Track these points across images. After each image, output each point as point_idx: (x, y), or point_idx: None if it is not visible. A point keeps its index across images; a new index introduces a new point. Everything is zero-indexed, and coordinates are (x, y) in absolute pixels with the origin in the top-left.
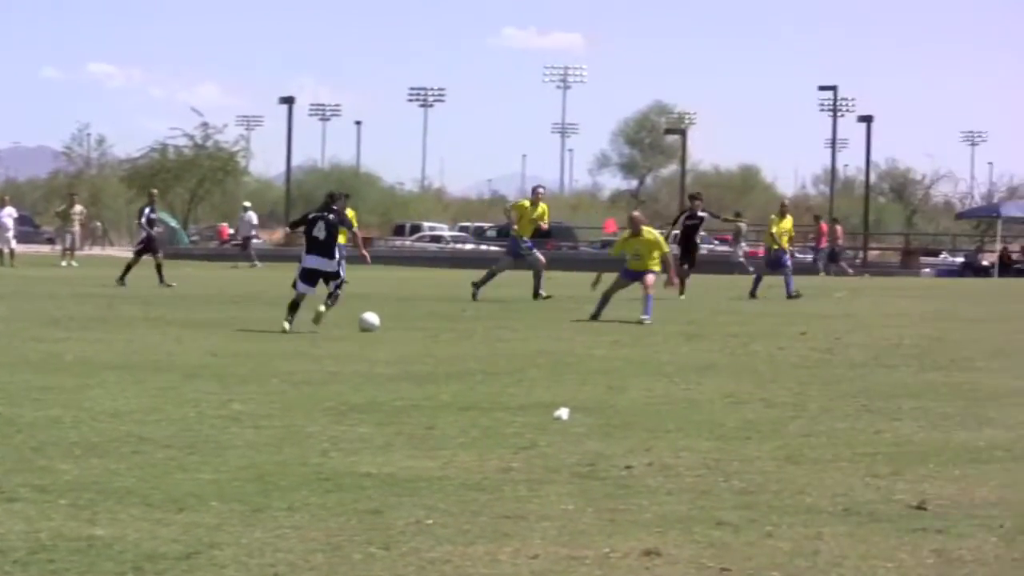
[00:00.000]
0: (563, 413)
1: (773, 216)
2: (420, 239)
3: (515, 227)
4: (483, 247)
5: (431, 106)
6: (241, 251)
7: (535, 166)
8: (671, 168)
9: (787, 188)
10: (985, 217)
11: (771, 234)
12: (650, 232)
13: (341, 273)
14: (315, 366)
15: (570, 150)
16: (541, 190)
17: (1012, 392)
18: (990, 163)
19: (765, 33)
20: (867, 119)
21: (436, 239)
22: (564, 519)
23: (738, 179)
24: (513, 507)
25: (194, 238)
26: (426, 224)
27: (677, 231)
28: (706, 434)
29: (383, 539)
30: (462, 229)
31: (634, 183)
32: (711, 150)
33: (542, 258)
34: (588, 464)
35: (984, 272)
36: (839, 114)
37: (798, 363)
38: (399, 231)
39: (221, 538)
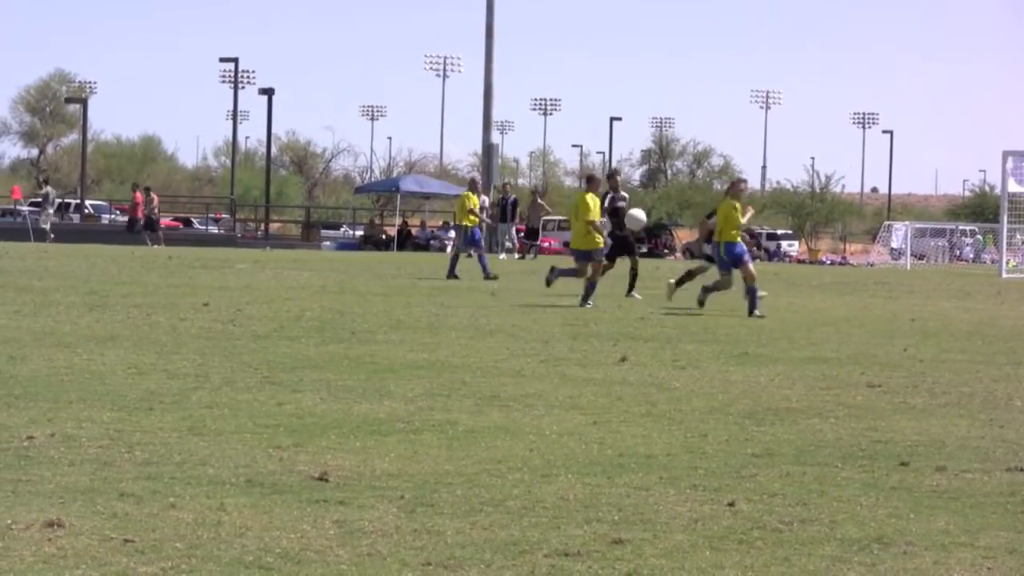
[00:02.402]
0: None
1: (468, 193)
2: None
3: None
4: None
5: None
6: None
7: None
8: (72, 137)
9: (189, 159)
10: (384, 191)
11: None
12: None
13: None
14: None
15: None
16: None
17: (409, 364)
18: (389, 138)
19: (165, 3)
20: (268, 92)
21: None
22: None
23: (140, 149)
24: None
25: None
26: None
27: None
28: (109, 405)
29: None
30: None
31: (35, 152)
32: (113, 120)
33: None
34: None
35: (384, 246)
36: (240, 86)
37: (200, 334)
38: None
39: None
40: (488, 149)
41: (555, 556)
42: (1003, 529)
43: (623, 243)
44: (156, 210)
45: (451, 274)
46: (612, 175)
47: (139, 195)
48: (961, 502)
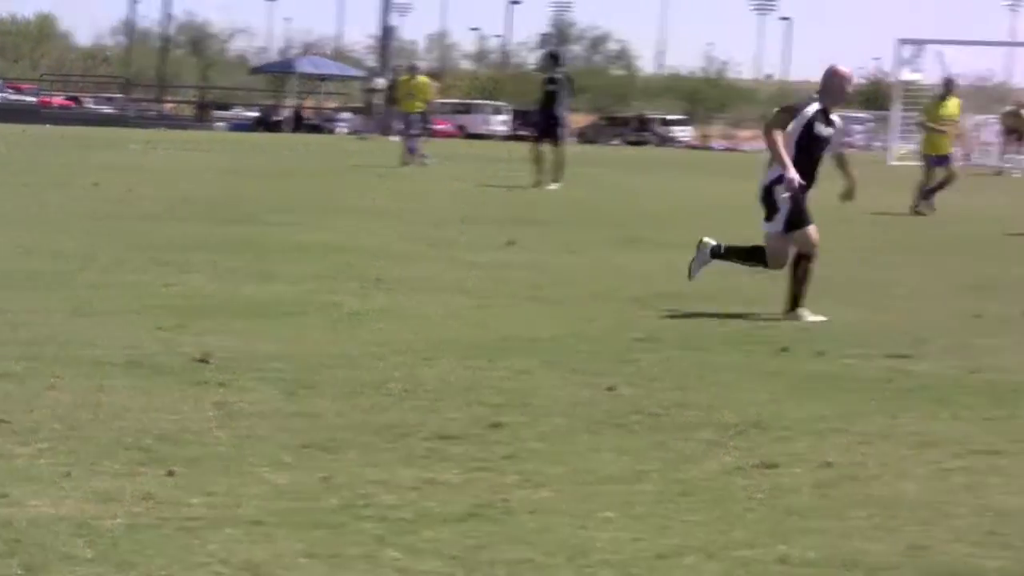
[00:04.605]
0: None
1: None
2: None
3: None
4: None
5: None
6: None
7: None
8: None
9: (84, 39)
10: (280, 72)
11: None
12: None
13: None
14: None
15: None
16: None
17: (296, 247)
18: (287, 19)
19: None
20: None
21: None
22: None
23: (35, 27)
24: None
25: None
26: None
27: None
28: None
29: None
30: None
31: None
32: None
33: None
34: None
35: (277, 127)
36: None
37: (88, 214)
38: None
39: None
40: (386, 31)
41: (434, 439)
42: (879, 414)
43: (547, 127)
44: None
45: (414, 159)
46: (548, 56)
47: None
48: (839, 388)
